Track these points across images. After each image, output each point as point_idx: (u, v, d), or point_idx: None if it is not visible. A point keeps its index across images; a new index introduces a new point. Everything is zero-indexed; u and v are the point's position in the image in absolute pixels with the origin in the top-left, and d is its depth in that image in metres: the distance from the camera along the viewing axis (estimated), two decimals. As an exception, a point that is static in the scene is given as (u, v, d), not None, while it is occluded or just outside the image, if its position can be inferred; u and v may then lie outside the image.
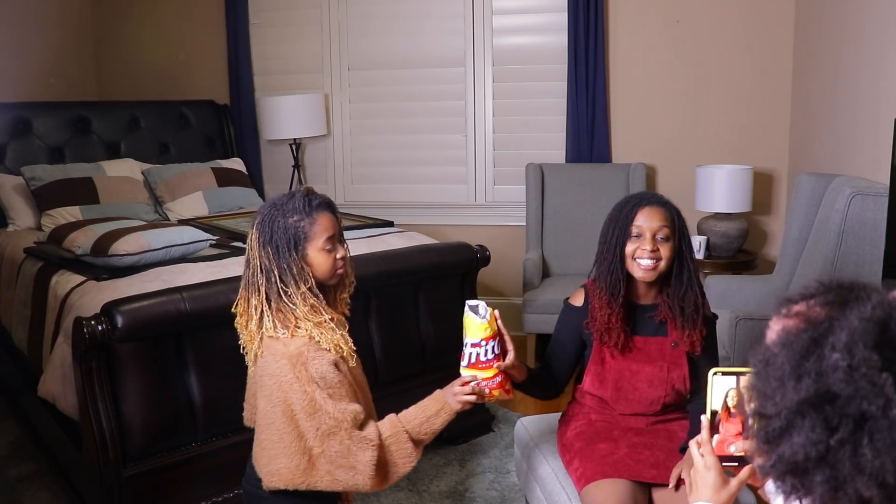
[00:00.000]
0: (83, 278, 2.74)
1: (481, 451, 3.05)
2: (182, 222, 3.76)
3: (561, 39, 4.29)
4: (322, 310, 1.60)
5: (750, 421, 0.82)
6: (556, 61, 4.34)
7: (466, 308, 1.64)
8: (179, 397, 2.38)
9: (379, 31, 4.62)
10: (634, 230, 1.87)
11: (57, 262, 2.99)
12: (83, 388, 2.24)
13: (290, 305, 1.58)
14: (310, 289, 1.59)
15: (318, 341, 1.57)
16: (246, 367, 2.50)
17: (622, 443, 1.91)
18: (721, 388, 1.14)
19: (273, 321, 1.59)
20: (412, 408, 1.64)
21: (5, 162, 4.00)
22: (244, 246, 3.39)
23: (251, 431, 2.48)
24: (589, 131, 4.28)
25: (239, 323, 1.66)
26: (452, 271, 3.09)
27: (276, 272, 1.58)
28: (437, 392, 1.66)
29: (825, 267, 2.78)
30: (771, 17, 4.08)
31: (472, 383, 1.62)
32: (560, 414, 2.14)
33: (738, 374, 1.14)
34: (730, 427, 1.12)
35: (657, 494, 1.85)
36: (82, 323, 2.18)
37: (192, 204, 4.06)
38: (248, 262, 1.64)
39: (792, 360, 0.78)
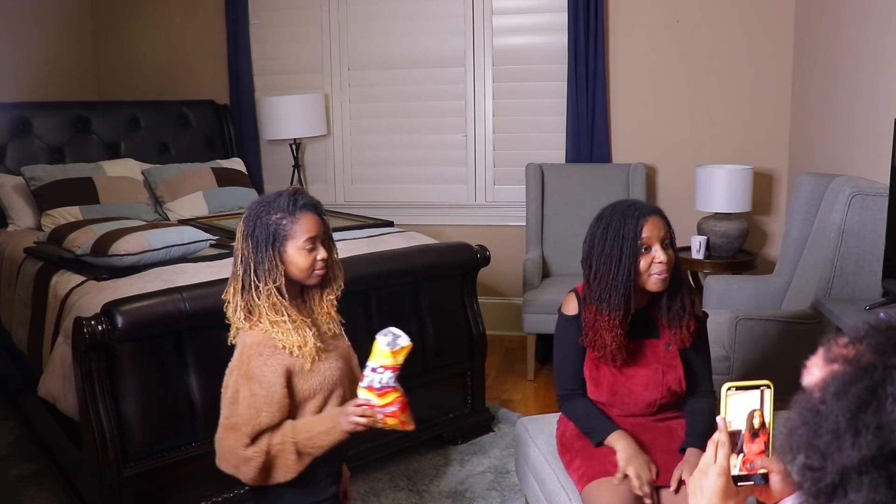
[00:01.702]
0: (83, 278, 2.74)
1: (481, 451, 3.05)
2: (182, 222, 3.76)
3: (561, 39, 4.29)
4: (283, 310, 1.64)
5: (797, 473, 0.76)
6: (556, 61, 4.34)
7: (379, 334, 1.63)
8: (179, 397, 2.39)
9: (379, 31, 4.62)
10: (645, 243, 1.84)
11: (57, 262, 2.98)
12: (83, 388, 2.24)
13: (255, 300, 1.63)
14: (277, 287, 1.63)
15: (275, 339, 1.62)
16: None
17: (622, 443, 1.91)
18: (740, 406, 1.09)
19: (238, 310, 1.66)
20: (308, 419, 1.66)
21: (5, 162, 4.00)
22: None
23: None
24: (589, 131, 4.28)
25: (227, 309, 1.72)
26: (452, 271, 3.09)
27: (251, 265, 1.64)
28: (334, 409, 1.67)
29: (825, 267, 2.78)
30: (771, 17, 4.08)
31: (365, 407, 1.61)
32: (560, 414, 2.14)
33: (753, 388, 1.10)
34: (752, 447, 1.09)
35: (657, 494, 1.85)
36: (82, 323, 2.18)
37: (192, 204, 4.06)
38: (234, 251, 1.72)
39: (847, 412, 0.72)
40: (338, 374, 1.72)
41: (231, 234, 3.44)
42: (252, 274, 1.64)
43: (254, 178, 4.66)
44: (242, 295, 1.65)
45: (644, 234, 1.84)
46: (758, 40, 4.12)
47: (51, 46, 4.67)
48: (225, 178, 4.29)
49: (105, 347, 2.23)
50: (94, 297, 2.52)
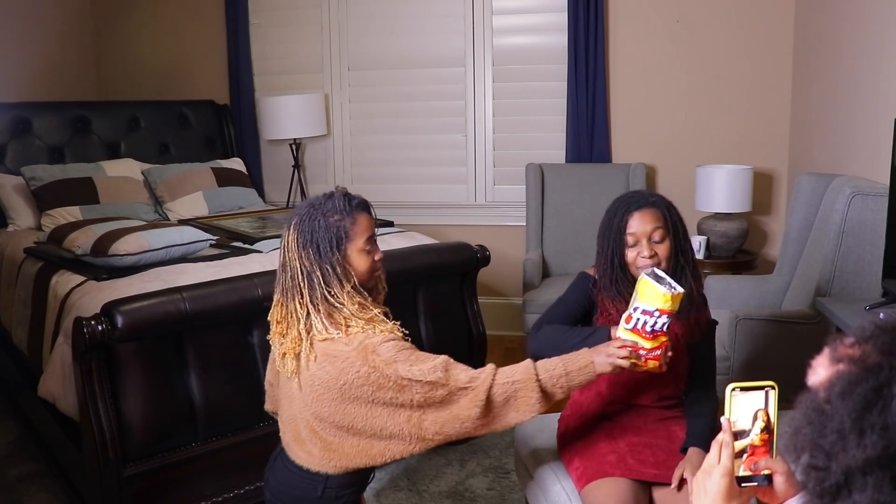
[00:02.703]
0: (83, 278, 2.75)
1: (481, 451, 3.05)
2: (182, 222, 3.76)
3: (561, 39, 4.29)
4: (369, 306, 1.59)
5: (801, 472, 0.76)
6: (556, 61, 4.34)
7: (645, 275, 1.58)
8: (179, 397, 2.39)
9: (379, 31, 4.62)
10: (629, 238, 1.84)
11: (57, 262, 2.99)
12: (83, 388, 2.24)
13: (338, 305, 1.55)
14: (353, 287, 1.57)
15: (373, 329, 1.56)
16: (246, 367, 2.51)
17: (622, 442, 1.90)
18: (745, 407, 1.09)
19: (323, 323, 1.55)
20: (554, 358, 1.60)
21: (5, 162, 4.01)
22: (244, 246, 3.41)
23: (250, 431, 2.51)
24: (589, 131, 4.28)
25: (276, 332, 1.62)
26: (452, 271, 3.09)
27: (318, 273, 1.55)
28: (584, 350, 1.61)
29: (825, 267, 2.78)
30: (771, 17, 4.08)
31: (630, 349, 1.55)
32: (559, 414, 2.14)
33: (757, 388, 1.09)
34: (756, 448, 1.09)
35: (657, 494, 1.85)
36: (82, 323, 2.18)
37: (192, 204, 4.07)
38: (284, 265, 1.60)
39: (852, 412, 0.72)
40: None
41: (231, 234, 3.44)
42: (321, 283, 1.55)
43: (254, 178, 4.66)
44: (316, 307, 1.55)
45: (629, 229, 1.84)
46: (758, 40, 4.12)
47: (51, 46, 4.67)
48: (225, 178, 4.29)
49: (105, 347, 2.23)
50: (94, 297, 2.52)
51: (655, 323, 1.55)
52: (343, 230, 1.57)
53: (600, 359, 1.58)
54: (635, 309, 1.57)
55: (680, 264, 1.87)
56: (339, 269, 1.55)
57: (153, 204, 4.06)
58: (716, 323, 2.01)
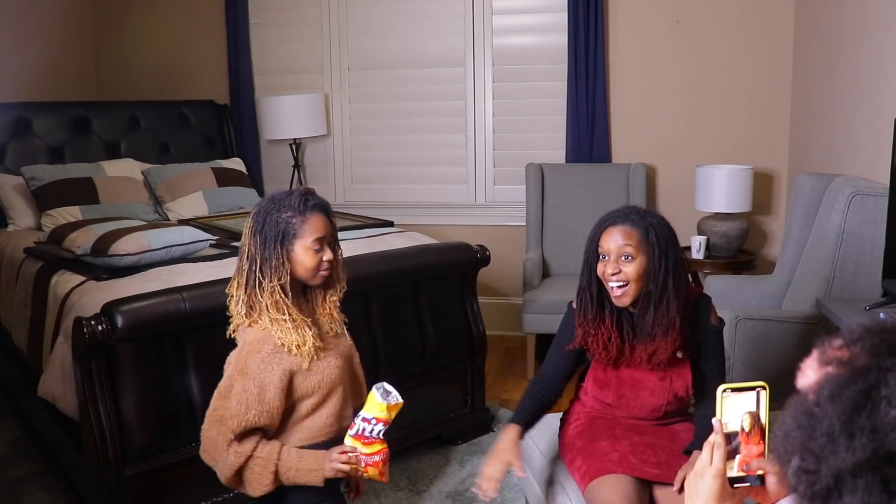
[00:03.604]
0: (83, 278, 2.74)
1: (481, 451, 3.05)
2: (182, 222, 3.76)
3: (561, 39, 4.29)
4: (285, 308, 1.64)
5: (791, 476, 0.76)
6: (556, 61, 4.34)
7: (374, 387, 1.66)
8: (179, 397, 2.39)
9: (379, 31, 4.62)
10: (601, 252, 1.85)
11: (57, 262, 2.98)
12: (83, 388, 2.24)
13: (258, 296, 1.64)
14: (281, 286, 1.64)
15: (273, 336, 1.63)
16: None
17: (624, 441, 1.90)
18: (736, 408, 1.09)
19: (240, 306, 1.66)
20: (298, 452, 1.66)
21: (5, 162, 4.01)
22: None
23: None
24: (589, 131, 4.28)
25: (230, 303, 1.72)
26: (452, 271, 3.09)
27: (258, 261, 1.64)
28: (323, 452, 1.67)
29: (825, 267, 2.78)
30: (771, 17, 4.08)
31: (351, 454, 1.63)
32: (561, 414, 2.14)
33: (748, 389, 1.09)
34: (749, 449, 1.09)
35: (659, 493, 1.85)
36: (82, 323, 2.18)
37: (192, 204, 4.06)
38: (240, 246, 1.71)
39: (841, 415, 0.72)
40: (337, 373, 1.72)
41: (231, 234, 3.44)
42: (258, 270, 1.64)
43: (254, 178, 4.66)
44: (245, 290, 1.66)
45: (602, 243, 1.85)
46: (758, 40, 4.12)
47: (51, 46, 4.67)
48: (225, 178, 4.29)
49: (105, 347, 2.23)
50: (94, 297, 2.52)
51: (373, 430, 1.64)
52: (291, 227, 1.64)
53: (326, 464, 1.65)
54: (357, 417, 1.66)
55: (656, 287, 1.81)
56: (274, 263, 1.63)
57: (153, 204, 4.06)
58: (723, 324, 1.99)
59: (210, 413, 1.66)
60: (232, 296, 1.69)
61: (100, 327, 2.18)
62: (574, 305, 1.99)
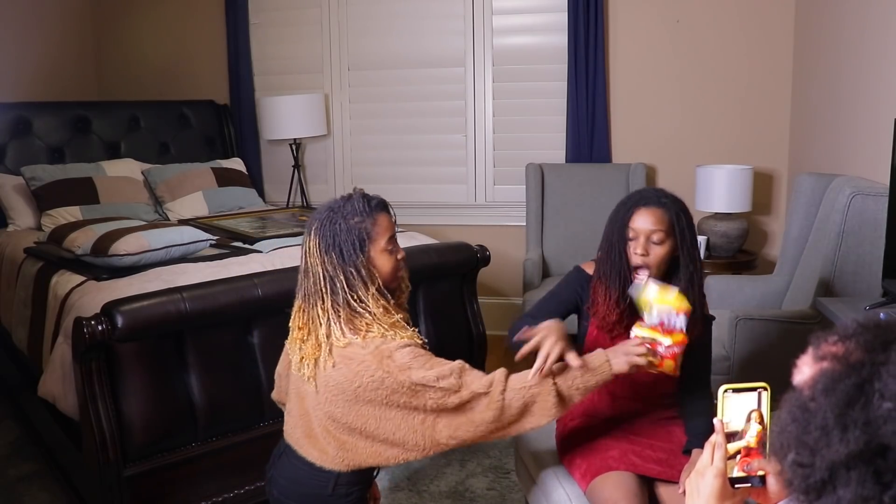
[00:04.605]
0: (83, 278, 2.75)
1: (481, 451, 3.05)
2: (182, 222, 3.76)
3: (561, 39, 4.29)
4: (392, 310, 1.58)
5: (787, 470, 0.77)
6: (556, 61, 4.34)
7: (652, 282, 1.63)
8: (179, 397, 2.38)
9: (379, 31, 4.62)
10: (630, 233, 1.85)
11: (57, 262, 2.99)
12: (83, 388, 2.24)
13: (361, 310, 1.54)
14: (378, 290, 1.56)
15: (393, 336, 1.55)
16: (246, 367, 2.51)
17: (623, 441, 1.91)
18: (737, 407, 1.09)
19: (342, 329, 1.54)
20: (569, 361, 1.59)
21: (5, 162, 4.01)
22: (244, 246, 3.41)
23: (250, 431, 2.51)
24: (589, 131, 4.28)
25: (296, 338, 1.61)
26: (452, 271, 3.09)
27: (342, 277, 1.54)
28: (599, 350, 1.60)
29: (825, 267, 2.78)
30: (771, 17, 4.08)
31: (648, 344, 1.56)
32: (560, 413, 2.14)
33: (749, 389, 1.09)
34: (752, 450, 1.09)
35: (661, 490, 1.85)
36: (82, 323, 2.18)
37: (192, 204, 4.07)
38: (306, 270, 1.59)
39: (835, 408, 0.73)
40: None
41: (231, 234, 3.44)
42: (345, 287, 1.53)
43: (254, 178, 4.66)
44: (339, 313, 1.54)
45: (632, 223, 1.85)
46: (758, 40, 4.12)
47: (51, 46, 4.67)
48: (225, 178, 4.29)
49: (105, 347, 2.23)
50: (94, 297, 2.52)
51: (675, 322, 1.58)
52: (365, 232, 1.56)
53: (617, 358, 1.58)
54: (652, 308, 1.59)
55: (684, 269, 1.85)
56: (363, 272, 1.55)
57: (153, 204, 4.06)
58: (712, 318, 2.00)
59: (428, 412, 1.54)
60: (313, 327, 1.56)
61: (100, 327, 2.18)
62: (585, 268, 1.98)
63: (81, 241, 2.90)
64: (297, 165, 4.68)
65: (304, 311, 1.60)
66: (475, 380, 1.57)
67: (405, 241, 3.26)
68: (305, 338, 1.59)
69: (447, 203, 4.63)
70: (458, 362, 1.57)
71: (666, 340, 1.58)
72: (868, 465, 0.70)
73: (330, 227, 1.56)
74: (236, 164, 4.56)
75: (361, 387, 1.53)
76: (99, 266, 2.81)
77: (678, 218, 1.85)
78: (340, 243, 1.54)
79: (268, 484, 1.76)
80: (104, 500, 2.29)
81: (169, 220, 3.94)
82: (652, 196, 1.88)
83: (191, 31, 4.91)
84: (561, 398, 1.57)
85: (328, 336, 1.56)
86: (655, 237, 1.83)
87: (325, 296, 1.55)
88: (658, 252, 1.84)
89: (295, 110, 4.49)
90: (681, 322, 1.58)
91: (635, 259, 1.84)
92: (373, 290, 1.55)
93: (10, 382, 3.47)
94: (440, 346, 3.02)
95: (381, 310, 1.55)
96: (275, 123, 4.52)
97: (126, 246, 2.77)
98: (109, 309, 2.23)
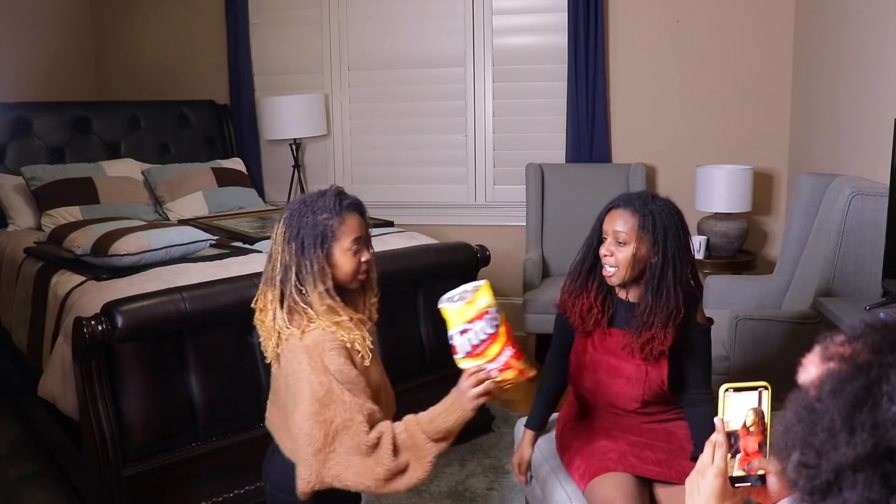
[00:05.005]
0: (83, 278, 2.75)
1: (481, 451, 3.05)
2: (182, 222, 3.77)
3: (561, 39, 4.29)
4: (339, 311, 1.56)
5: (791, 470, 0.77)
6: (556, 61, 4.34)
7: (438, 304, 1.54)
8: (179, 397, 2.39)
9: (379, 31, 4.62)
10: (604, 232, 1.89)
11: (57, 262, 2.99)
12: (83, 388, 2.24)
13: (303, 305, 1.54)
14: (327, 290, 1.55)
15: (333, 331, 1.53)
16: (246, 368, 2.51)
17: (622, 441, 1.90)
18: (738, 407, 1.09)
19: (284, 318, 1.55)
20: (423, 413, 1.56)
21: (5, 162, 4.01)
22: (244, 246, 3.41)
23: (250, 431, 2.51)
24: (589, 131, 4.28)
25: (258, 319, 1.63)
26: (452, 271, 3.09)
27: (294, 269, 1.55)
28: (451, 394, 1.58)
29: (825, 267, 2.78)
30: (771, 17, 4.08)
31: (478, 373, 1.49)
32: (559, 413, 2.14)
33: (750, 389, 1.09)
34: (750, 448, 1.08)
35: (660, 491, 1.85)
36: (82, 323, 2.18)
37: (192, 204, 4.07)
38: (270, 256, 1.61)
39: (843, 410, 0.72)
40: (380, 375, 1.67)
41: (231, 234, 3.44)
42: (294, 279, 1.54)
43: (254, 178, 4.66)
44: (283, 302, 1.55)
45: (604, 225, 1.89)
46: (758, 40, 4.12)
47: (51, 46, 4.67)
48: (225, 178, 4.30)
49: (105, 347, 2.23)
50: (94, 297, 2.52)
51: (475, 335, 1.48)
52: (330, 229, 1.56)
53: (463, 399, 1.55)
54: (451, 339, 1.51)
55: (654, 277, 1.82)
56: (315, 268, 1.54)
57: (153, 204, 4.06)
58: (711, 322, 1.99)
59: (329, 431, 1.48)
60: (263, 309, 1.58)
61: (100, 327, 2.18)
62: (558, 303, 2.02)
63: (81, 241, 2.90)
64: (297, 165, 4.68)
65: (263, 293, 1.61)
66: (374, 429, 1.51)
67: (405, 241, 3.27)
68: (263, 320, 1.60)
69: (447, 203, 4.63)
70: (372, 406, 1.52)
71: (486, 359, 1.48)
72: (875, 468, 0.70)
73: (298, 218, 1.57)
74: (236, 164, 4.56)
75: (290, 377, 1.53)
76: (99, 266, 2.81)
77: (653, 223, 1.82)
78: (303, 236, 1.55)
79: (263, 479, 1.76)
80: (104, 500, 2.29)
81: (169, 220, 3.94)
82: (630, 199, 1.88)
83: (191, 31, 4.91)
84: (435, 442, 1.53)
85: (271, 321, 1.57)
86: (620, 238, 1.84)
87: (271, 282, 1.57)
88: (621, 254, 1.83)
89: (295, 110, 4.49)
90: (480, 331, 1.46)
91: (602, 259, 1.88)
92: (321, 288, 1.54)
93: (10, 382, 3.47)
94: (440, 346, 3.02)
95: (324, 307, 1.54)
96: (275, 123, 4.52)
97: (126, 246, 2.77)
98: (109, 309, 2.23)
